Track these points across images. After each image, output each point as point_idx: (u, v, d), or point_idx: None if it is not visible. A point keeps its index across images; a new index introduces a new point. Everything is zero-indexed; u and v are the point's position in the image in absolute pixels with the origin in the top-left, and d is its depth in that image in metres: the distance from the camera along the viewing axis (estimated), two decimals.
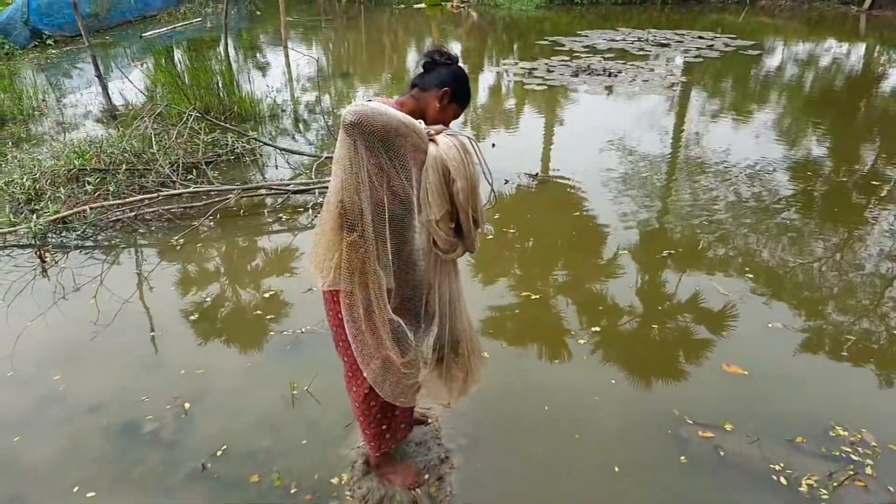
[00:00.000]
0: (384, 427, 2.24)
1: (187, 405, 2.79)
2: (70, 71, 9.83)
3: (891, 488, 2.31)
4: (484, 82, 9.16)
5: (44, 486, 2.40)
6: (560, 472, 2.46)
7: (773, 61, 9.97)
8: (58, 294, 3.70)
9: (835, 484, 2.32)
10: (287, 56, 10.18)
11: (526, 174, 5.28)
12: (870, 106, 7.76)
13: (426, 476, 2.40)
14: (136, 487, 2.40)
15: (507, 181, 5.16)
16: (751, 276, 3.77)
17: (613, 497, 2.36)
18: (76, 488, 2.38)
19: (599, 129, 6.58)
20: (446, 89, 1.88)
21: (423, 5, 17.41)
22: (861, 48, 10.99)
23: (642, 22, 13.53)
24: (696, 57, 9.55)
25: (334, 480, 2.41)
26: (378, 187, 1.74)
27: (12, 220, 4.28)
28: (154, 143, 4.95)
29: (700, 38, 10.66)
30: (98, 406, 2.81)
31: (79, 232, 4.33)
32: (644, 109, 7.31)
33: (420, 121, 1.80)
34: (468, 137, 1.80)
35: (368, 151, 1.69)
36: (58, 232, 4.34)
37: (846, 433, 2.56)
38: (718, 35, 10.77)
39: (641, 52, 9.88)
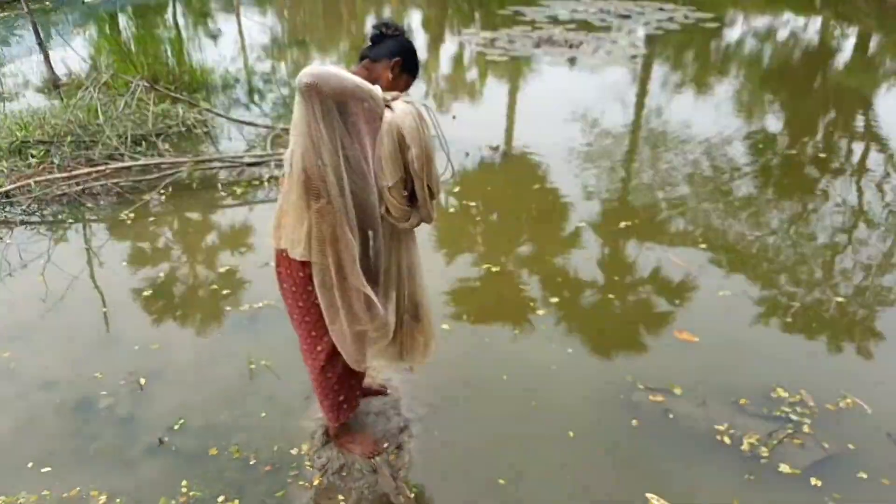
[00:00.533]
0: (341, 398, 2.26)
1: (143, 381, 2.76)
2: (8, 38, 9.35)
3: (825, 444, 2.44)
4: (444, 53, 9.08)
5: None
6: (516, 438, 2.52)
7: (731, 34, 10.11)
8: (3, 271, 3.57)
9: (774, 442, 2.45)
10: (239, 24, 9.87)
11: (488, 146, 5.29)
12: (824, 80, 7.98)
13: (385, 445, 2.44)
14: (92, 462, 2.37)
15: (467, 154, 5.16)
16: (704, 246, 3.88)
17: (568, 461, 2.43)
18: (30, 464, 2.34)
19: (561, 101, 6.59)
20: (398, 59, 1.88)
21: None
22: (817, 22, 11.23)
23: None
24: (656, 29, 9.63)
25: (293, 451, 2.43)
26: (335, 153, 1.72)
27: None
28: (100, 114, 4.78)
29: (661, 9, 10.73)
30: (51, 383, 2.75)
31: (23, 207, 4.17)
32: (605, 82, 7.36)
33: (376, 86, 1.78)
34: (425, 106, 1.80)
35: (324, 115, 1.66)
36: (1, 207, 4.17)
37: (787, 394, 2.68)
38: (678, 7, 10.86)
39: (603, 24, 9.90)
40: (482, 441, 2.51)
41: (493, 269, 3.65)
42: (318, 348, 2.12)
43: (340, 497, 2.25)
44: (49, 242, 3.89)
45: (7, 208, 4.18)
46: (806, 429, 2.51)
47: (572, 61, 7.97)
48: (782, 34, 10.33)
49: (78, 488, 2.24)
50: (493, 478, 2.33)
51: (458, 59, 8.72)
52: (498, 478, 2.33)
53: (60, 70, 7.01)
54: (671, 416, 2.60)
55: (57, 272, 3.57)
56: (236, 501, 2.22)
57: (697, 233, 4.05)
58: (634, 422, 2.58)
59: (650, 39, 9.27)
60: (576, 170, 5.01)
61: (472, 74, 8.01)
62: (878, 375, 2.85)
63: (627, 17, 10.27)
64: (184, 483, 2.27)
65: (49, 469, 2.32)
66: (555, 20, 10.08)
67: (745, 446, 2.44)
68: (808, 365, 2.93)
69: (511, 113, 6.54)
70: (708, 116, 6.29)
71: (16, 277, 3.54)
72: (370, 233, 1.97)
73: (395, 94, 1.81)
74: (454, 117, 6.13)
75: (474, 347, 3.05)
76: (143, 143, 4.90)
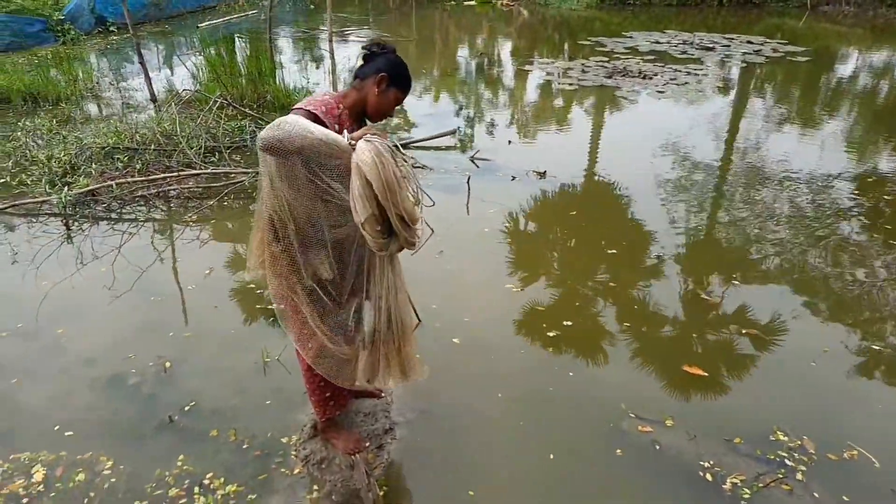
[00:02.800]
0: (328, 395, 2.41)
1: (168, 364, 3.04)
2: (132, 57, 10.43)
3: (816, 494, 2.31)
4: (514, 81, 9.22)
5: (30, 423, 2.68)
6: (496, 454, 2.57)
7: (828, 69, 9.61)
8: (78, 260, 4.03)
9: (759, 485, 2.35)
10: (331, 49, 10.50)
11: (534, 172, 5.36)
12: None
13: (367, 444, 2.56)
14: (109, 431, 2.65)
15: (513, 178, 5.26)
16: (737, 282, 3.76)
17: (542, 483, 2.44)
18: (57, 427, 2.65)
19: (625, 131, 6.57)
20: (383, 74, 1.99)
21: (473, 3, 17.53)
22: None
23: (696, 24, 13.26)
24: (742, 62, 9.32)
25: (284, 440, 2.60)
26: (301, 196, 1.86)
27: (48, 190, 4.68)
28: (178, 127, 5.29)
29: (749, 42, 10.37)
30: (91, 359, 3.09)
31: (105, 205, 4.68)
32: (677, 114, 7.24)
33: (345, 132, 1.90)
34: (386, 143, 1.84)
35: (287, 172, 1.81)
36: (88, 204, 4.71)
37: (786, 438, 2.56)
38: (768, 41, 10.44)
39: (684, 56, 9.71)
40: (461, 452, 2.57)
41: (514, 290, 3.71)
42: (309, 345, 2.29)
43: (315, 487, 2.39)
44: (122, 237, 4.34)
45: (93, 205, 4.71)
46: (799, 476, 2.39)
47: (652, 91, 7.88)
48: (889, 71, 9.67)
49: (91, 453, 2.51)
50: (463, 489, 2.39)
51: (525, 87, 8.83)
52: (468, 489, 2.39)
53: (165, 86, 7.80)
54: (657, 447, 2.55)
55: (125, 264, 3.98)
56: (222, 479, 2.41)
57: (731, 269, 3.92)
58: (619, 451, 2.55)
59: (728, 70, 8.98)
60: (628, 199, 4.98)
61: (537, 102, 8.09)
62: None
63: (711, 49, 10.00)
64: (180, 458, 2.50)
65: (71, 433, 2.62)
66: (634, 51, 10.00)
67: (727, 485, 2.36)
68: (821, 413, 2.77)
69: (597, 140, 6.52)
70: (804, 154, 6.01)
71: (88, 266, 3.98)
72: (352, 258, 2.08)
73: (359, 133, 1.86)
74: (510, 142, 6.24)
75: (477, 362, 3.11)
76: (216, 154, 5.36)
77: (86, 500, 2.31)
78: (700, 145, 6.24)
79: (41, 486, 2.37)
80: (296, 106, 1.94)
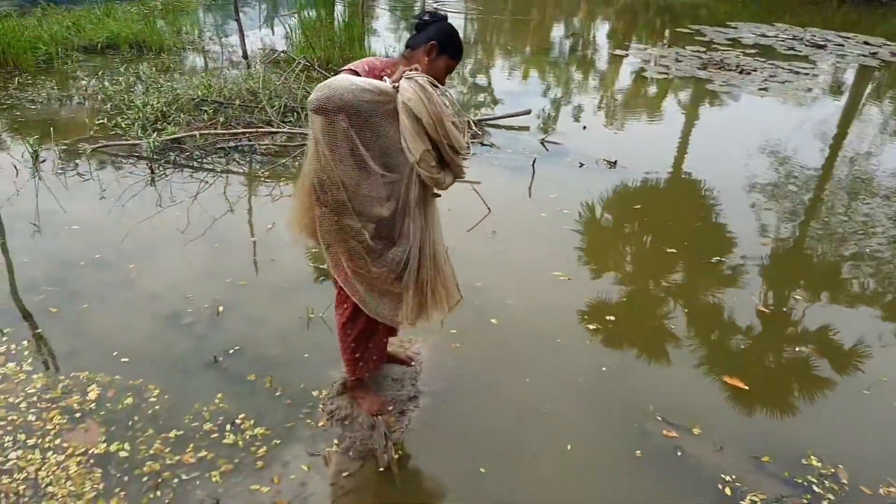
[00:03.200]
0: (357, 355, 2.51)
1: (221, 308, 3.24)
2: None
3: None
4: (607, 65, 8.95)
5: (93, 346, 2.94)
6: (512, 437, 2.59)
7: None
8: (158, 203, 4.32)
9: None
10: None
11: (604, 160, 5.23)
12: None
13: (390, 408, 2.65)
14: (160, 363, 2.86)
15: (581, 164, 5.15)
16: (799, 296, 3.57)
17: (552, 471, 2.44)
18: (115, 353, 2.89)
19: (717, 127, 6.29)
20: (433, 42, 2.02)
21: None
22: None
23: (811, 19, 12.33)
24: (852, 63, 8.63)
25: (315, 393, 2.73)
26: (343, 164, 1.92)
27: (139, 134, 5.01)
28: (262, 85, 5.50)
29: (866, 43, 9.56)
30: (155, 295, 3.33)
31: (188, 153, 4.97)
32: (775, 113, 6.83)
33: (385, 78, 1.96)
34: (425, 77, 1.89)
35: (333, 134, 1.88)
36: (172, 151, 5.01)
37: (819, 464, 2.44)
38: (888, 43, 9.57)
39: (790, 52, 9.09)
40: (480, 429, 2.61)
41: (562, 278, 3.67)
42: (344, 306, 2.40)
43: (336, 441, 2.51)
44: (198, 185, 4.61)
45: (176, 153, 5.01)
46: None
47: (753, 88, 7.45)
48: None
49: (141, 380, 2.73)
50: (475, 464, 2.43)
51: (614, 73, 8.55)
52: (480, 466, 2.43)
53: (259, 45, 8.11)
54: (679, 453, 2.50)
55: (198, 210, 4.23)
56: (252, 421, 2.56)
57: (794, 278, 3.71)
58: (638, 452, 2.51)
59: (842, 71, 8.33)
60: (703, 198, 4.79)
61: (621, 89, 7.83)
62: None
63: (822, 47, 9.29)
64: (218, 396, 2.67)
65: (127, 360, 2.85)
66: (735, 43, 9.45)
67: (745, 502, 2.29)
68: (860, 443, 2.61)
69: (686, 136, 6.28)
70: None
71: (165, 209, 4.26)
72: (400, 206, 2.12)
73: (397, 74, 1.92)
74: (584, 128, 6.10)
75: (512, 346, 3.12)
76: (295, 115, 5.55)
77: (130, 423, 2.52)
78: (802, 150, 5.87)
79: (93, 404, 2.60)
80: (341, 68, 2.00)
